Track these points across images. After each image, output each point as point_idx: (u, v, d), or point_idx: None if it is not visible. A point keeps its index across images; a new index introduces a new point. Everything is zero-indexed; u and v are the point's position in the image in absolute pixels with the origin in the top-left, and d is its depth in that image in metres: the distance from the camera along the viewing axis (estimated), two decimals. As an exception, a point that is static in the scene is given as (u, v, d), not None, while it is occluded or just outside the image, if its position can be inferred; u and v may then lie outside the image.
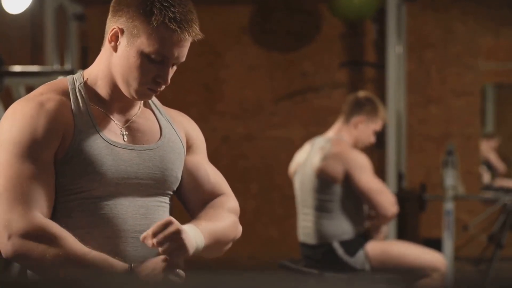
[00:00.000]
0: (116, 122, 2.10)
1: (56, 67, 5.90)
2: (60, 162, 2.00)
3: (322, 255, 4.08)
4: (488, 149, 6.95)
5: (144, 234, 1.95)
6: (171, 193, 2.14)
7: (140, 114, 2.15)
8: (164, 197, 2.11)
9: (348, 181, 4.03)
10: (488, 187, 6.64)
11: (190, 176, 2.16)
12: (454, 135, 6.49)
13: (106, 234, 1.99)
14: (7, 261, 3.71)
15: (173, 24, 1.98)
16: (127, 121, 2.12)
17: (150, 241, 1.93)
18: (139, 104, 2.16)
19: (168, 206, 2.12)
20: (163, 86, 2.06)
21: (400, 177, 6.30)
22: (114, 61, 2.06)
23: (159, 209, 2.09)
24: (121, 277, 1.87)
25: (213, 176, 2.20)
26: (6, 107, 2.12)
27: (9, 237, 1.91)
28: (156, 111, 2.19)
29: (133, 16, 2.01)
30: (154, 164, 2.09)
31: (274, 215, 6.62)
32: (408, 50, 6.47)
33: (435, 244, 5.24)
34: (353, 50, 6.60)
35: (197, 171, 2.18)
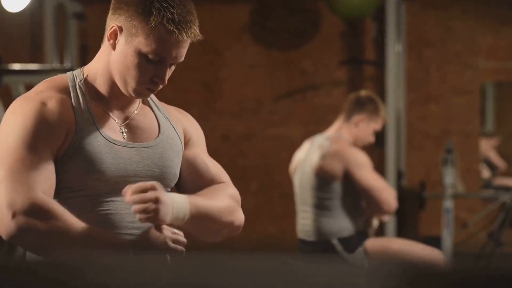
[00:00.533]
0: (115, 119, 2.10)
1: (56, 65, 5.90)
2: (61, 160, 2.00)
3: (321, 252, 4.08)
4: (488, 147, 6.95)
5: (126, 188, 1.95)
6: (170, 190, 2.14)
7: (139, 111, 2.15)
8: (163, 194, 2.12)
9: (348, 179, 4.03)
10: (487, 186, 6.64)
11: (189, 168, 2.17)
12: (454, 133, 6.49)
13: (105, 231, 2.00)
14: (10, 248, 3.71)
15: (171, 25, 1.98)
16: (126, 118, 2.12)
17: (128, 198, 1.94)
18: (138, 101, 2.16)
19: (166, 203, 2.13)
20: (161, 86, 2.07)
21: (399, 175, 6.30)
22: (113, 59, 2.06)
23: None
24: (122, 254, 1.89)
25: (212, 167, 2.20)
26: (5, 105, 2.12)
27: (13, 216, 1.91)
28: (155, 108, 2.19)
29: (132, 15, 2.01)
30: (153, 162, 2.09)
31: (274, 214, 6.62)
32: (407, 49, 6.47)
33: (434, 241, 5.25)
34: (352, 48, 6.60)
35: (195, 162, 2.19)
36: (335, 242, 4.05)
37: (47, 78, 2.13)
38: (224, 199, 2.14)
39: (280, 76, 6.65)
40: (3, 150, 1.97)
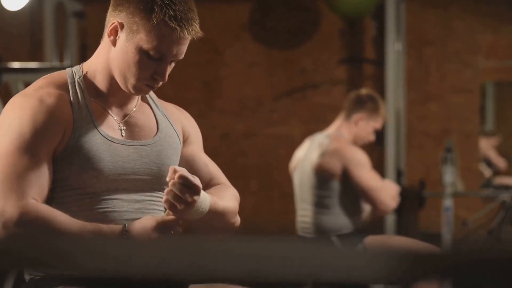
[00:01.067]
0: (114, 116, 2.10)
1: (55, 63, 5.90)
2: (59, 157, 2.00)
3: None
4: (488, 147, 6.95)
5: (175, 167, 1.94)
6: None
7: (138, 108, 2.15)
8: (161, 192, 2.11)
9: (346, 177, 4.03)
10: (487, 185, 6.64)
11: (187, 166, 2.17)
12: (454, 132, 6.49)
13: (103, 228, 2.00)
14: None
15: (173, 22, 1.98)
16: (125, 115, 2.12)
17: (171, 176, 1.93)
18: (137, 99, 2.16)
19: (164, 201, 2.13)
20: (161, 83, 2.07)
21: (399, 174, 6.30)
22: (113, 55, 2.06)
23: (155, 204, 2.09)
24: (116, 239, 1.89)
25: (211, 167, 2.21)
26: (4, 103, 2.12)
27: (3, 225, 1.91)
28: (153, 105, 2.19)
29: (133, 12, 2.01)
30: (151, 160, 2.09)
31: (274, 212, 6.62)
32: (407, 47, 6.47)
33: (434, 239, 5.25)
34: (352, 47, 6.60)
35: (194, 160, 2.19)
36: (334, 239, 4.05)
37: (46, 76, 2.13)
38: (232, 200, 2.15)
39: (280, 75, 6.65)
40: (3, 147, 1.96)
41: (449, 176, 5.36)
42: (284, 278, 0.96)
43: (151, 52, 2.01)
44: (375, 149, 6.20)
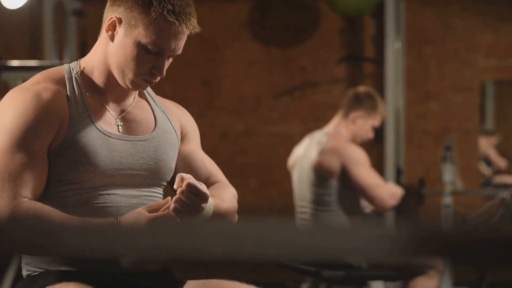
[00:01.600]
0: (111, 112, 2.10)
1: (55, 62, 5.90)
2: (55, 152, 2.00)
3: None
4: (488, 146, 6.95)
5: (182, 175, 1.95)
6: (165, 184, 2.14)
7: (135, 104, 2.15)
8: (158, 188, 2.12)
9: (345, 175, 4.03)
10: (487, 183, 6.64)
11: (185, 163, 2.17)
12: (453, 130, 6.49)
13: (100, 224, 2.00)
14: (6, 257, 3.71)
15: (171, 16, 1.99)
16: (122, 111, 2.12)
17: (179, 184, 1.93)
18: (134, 94, 2.16)
19: (161, 197, 2.13)
20: (158, 78, 2.07)
21: (399, 172, 6.30)
22: (111, 50, 2.06)
23: (153, 200, 2.09)
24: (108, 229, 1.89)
25: (209, 164, 2.21)
26: (4, 101, 2.11)
27: None
28: (151, 101, 2.19)
29: (131, 6, 2.01)
30: (149, 155, 2.09)
31: (273, 211, 6.62)
32: (407, 46, 6.47)
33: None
34: (351, 45, 6.60)
35: (192, 158, 2.19)
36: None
37: (45, 74, 2.13)
38: (232, 201, 2.15)
39: (280, 74, 6.65)
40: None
41: (449, 174, 5.35)
42: (283, 259, 0.96)
43: (150, 47, 2.02)
44: (374, 148, 6.20)
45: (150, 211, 1.96)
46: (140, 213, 1.97)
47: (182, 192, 1.93)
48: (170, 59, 2.08)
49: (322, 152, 4.08)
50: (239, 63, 6.67)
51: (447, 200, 5.32)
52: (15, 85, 4.75)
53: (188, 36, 2.07)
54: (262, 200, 6.64)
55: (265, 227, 0.94)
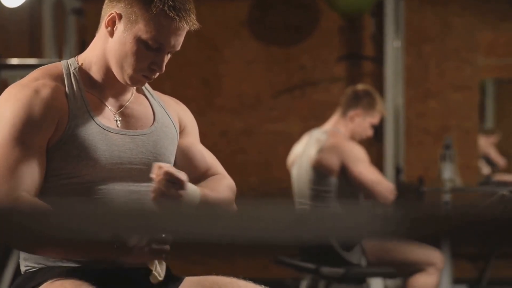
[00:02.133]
0: (109, 107, 2.10)
1: (54, 60, 5.90)
2: (54, 147, 2.00)
3: (318, 249, 4.08)
4: (487, 145, 6.94)
5: (159, 164, 1.95)
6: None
7: (134, 99, 2.16)
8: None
9: (344, 173, 4.04)
10: (486, 182, 6.63)
11: (184, 157, 2.17)
12: (452, 129, 6.49)
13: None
14: (6, 252, 3.72)
15: (172, 12, 2.00)
16: (120, 106, 2.12)
17: (156, 173, 1.94)
18: (132, 90, 2.16)
19: (160, 191, 2.13)
20: (157, 74, 2.07)
21: (398, 171, 6.30)
22: (110, 46, 2.06)
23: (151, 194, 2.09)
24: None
25: (207, 157, 2.21)
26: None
27: None
28: (149, 96, 2.20)
29: (132, 2, 2.02)
30: (147, 149, 2.10)
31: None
32: (406, 44, 6.47)
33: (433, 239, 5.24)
34: (351, 44, 6.60)
35: (190, 151, 2.19)
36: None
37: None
38: (225, 191, 2.15)
39: (279, 72, 6.65)
40: None
41: (448, 173, 5.36)
42: (281, 241, 0.96)
43: (150, 42, 2.02)
44: (374, 146, 6.20)
45: (166, 171, 1.97)
46: None
47: (159, 181, 1.94)
48: (169, 55, 2.09)
49: (321, 150, 4.08)
50: (239, 61, 6.67)
51: (446, 197, 5.32)
52: (14, 83, 4.74)
53: (188, 35, 2.08)
54: (262, 198, 6.64)
55: (259, 208, 0.94)
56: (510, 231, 0.92)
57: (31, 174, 1.96)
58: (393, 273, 4.06)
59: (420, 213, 0.95)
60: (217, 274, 2.12)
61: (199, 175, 2.17)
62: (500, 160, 7.05)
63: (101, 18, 2.09)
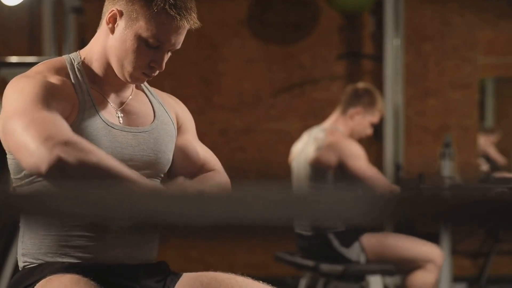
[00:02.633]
0: (111, 104, 2.10)
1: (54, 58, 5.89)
2: None
3: (317, 246, 4.07)
4: (487, 143, 6.95)
5: None
6: (162, 175, 2.15)
7: (134, 96, 2.16)
8: (156, 179, 2.12)
9: (343, 170, 4.04)
10: (486, 180, 6.63)
11: (180, 153, 2.17)
12: (452, 127, 6.49)
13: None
14: (5, 247, 3.71)
15: (173, 11, 2.00)
16: (121, 103, 2.12)
17: None
18: (132, 87, 2.16)
19: (159, 188, 2.13)
20: (157, 72, 2.07)
21: (397, 169, 6.30)
22: (110, 43, 2.06)
23: (151, 191, 2.09)
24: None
25: (204, 153, 2.21)
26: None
27: (53, 147, 1.84)
28: (148, 93, 2.20)
29: (133, 0, 2.02)
30: (149, 147, 2.10)
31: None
32: (406, 43, 6.47)
33: (432, 237, 5.24)
34: (351, 42, 6.60)
35: (186, 148, 2.19)
36: (331, 236, 4.04)
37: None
38: (213, 190, 2.14)
39: (279, 71, 6.65)
40: (20, 105, 1.91)
41: (447, 171, 5.35)
42: (272, 223, 0.96)
43: (150, 40, 2.02)
44: (374, 144, 6.20)
45: None
46: None
47: None
48: (169, 54, 2.09)
49: (319, 148, 4.08)
50: (238, 60, 6.67)
51: (446, 194, 5.32)
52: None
53: (187, 33, 2.08)
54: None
55: (250, 190, 0.94)
56: (501, 213, 0.92)
57: (66, 125, 1.92)
58: (392, 270, 4.06)
59: (414, 195, 0.95)
60: (215, 270, 2.12)
61: (194, 170, 2.17)
62: (499, 159, 7.05)
63: (102, 14, 2.09)
